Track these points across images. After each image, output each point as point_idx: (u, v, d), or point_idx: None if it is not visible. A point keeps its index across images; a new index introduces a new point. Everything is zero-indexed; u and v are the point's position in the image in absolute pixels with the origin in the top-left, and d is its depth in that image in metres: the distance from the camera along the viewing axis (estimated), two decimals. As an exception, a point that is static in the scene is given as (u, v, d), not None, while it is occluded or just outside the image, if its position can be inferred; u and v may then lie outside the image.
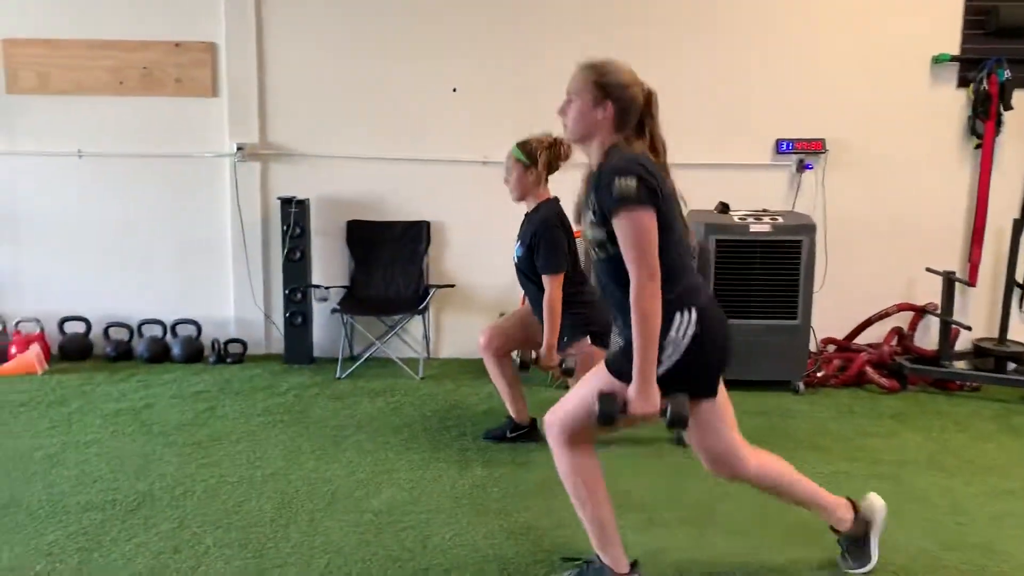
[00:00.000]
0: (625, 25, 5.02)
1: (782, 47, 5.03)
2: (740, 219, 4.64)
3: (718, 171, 5.08)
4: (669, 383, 2.22)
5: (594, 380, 2.37)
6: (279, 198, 5.01)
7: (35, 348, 4.90)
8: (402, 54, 5.06)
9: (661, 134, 2.36)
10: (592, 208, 2.26)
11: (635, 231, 2.16)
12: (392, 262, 5.17)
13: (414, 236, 5.17)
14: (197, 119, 5.10)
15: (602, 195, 2.21)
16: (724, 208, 4.78)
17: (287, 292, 5.04)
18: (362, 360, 4.96)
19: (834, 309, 5.05)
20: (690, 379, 2.27)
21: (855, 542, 2.69)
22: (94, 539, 2.90)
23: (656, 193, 2.19)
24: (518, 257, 3.62)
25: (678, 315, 2.24)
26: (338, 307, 4.87)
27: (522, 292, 3.78)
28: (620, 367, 2.28)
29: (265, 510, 3.15)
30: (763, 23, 5.03)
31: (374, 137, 5.15)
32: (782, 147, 5.08)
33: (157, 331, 5.18)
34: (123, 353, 5.12)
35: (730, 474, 2.51)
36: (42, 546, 2.85)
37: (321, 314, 5.19)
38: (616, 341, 2.37)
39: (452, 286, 5.01)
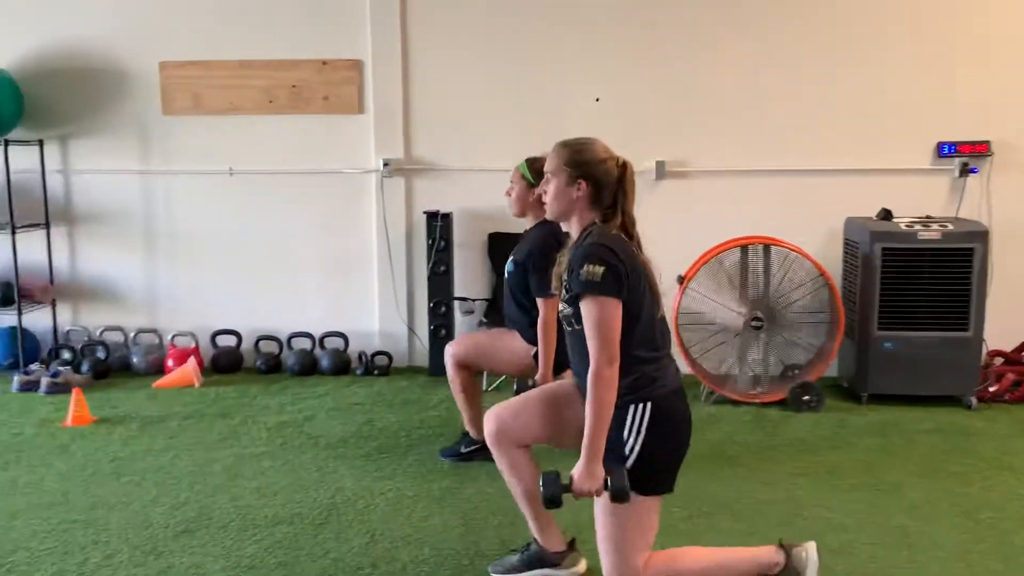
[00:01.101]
0: (775, 31, 4.89)
1: (942, 45, 4.81)
2: (907, 226, 4.44)
3: (877, 176, 4.88)
4: (640, 472, 2.24)
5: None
6: (424, 212, 5.04)
7: (192, 361, 5.05)
8: (544, 66, 5.04)
9: (632, 210, 2.38)
10: (565, 286, 2.32)
11: (598, 318, 2.19)
12: (534, 274, 5.13)
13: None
14: (344, 136, 5.19)
15: (572, 277, 2.26)
16: (886, 215, 4.59)
17: (431, 305, 5.06)
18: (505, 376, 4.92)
19: (1001, 320, 4.77)
20: (658, 469, 2.29)
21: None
22: (291, 553, 2.93)
23: (623, 282, 2.22)
24: (508, 273, 3.55)
25: (631, 408, 2.26)
26: (484, 320, 4.86)
27: None
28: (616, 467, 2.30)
29: (452, 525, 3.13)
30: (921, 21, 4.81)
31: (515, 149, 5.06)
32: (944, 150, 4.84)
33: (306, 344, 5.28)
34: (273, 366, 5.23)
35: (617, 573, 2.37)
36: (243, 560, 2.89)
37: (464, 327, 5.19)
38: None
39: (601, 298, 4.94)
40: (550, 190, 2.40)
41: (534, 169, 3.45)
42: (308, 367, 5.18)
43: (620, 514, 2.27)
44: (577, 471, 2.22)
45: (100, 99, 5.24)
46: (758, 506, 3.29)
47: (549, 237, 3.38)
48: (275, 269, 5.32)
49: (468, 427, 3.78)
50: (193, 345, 5.23)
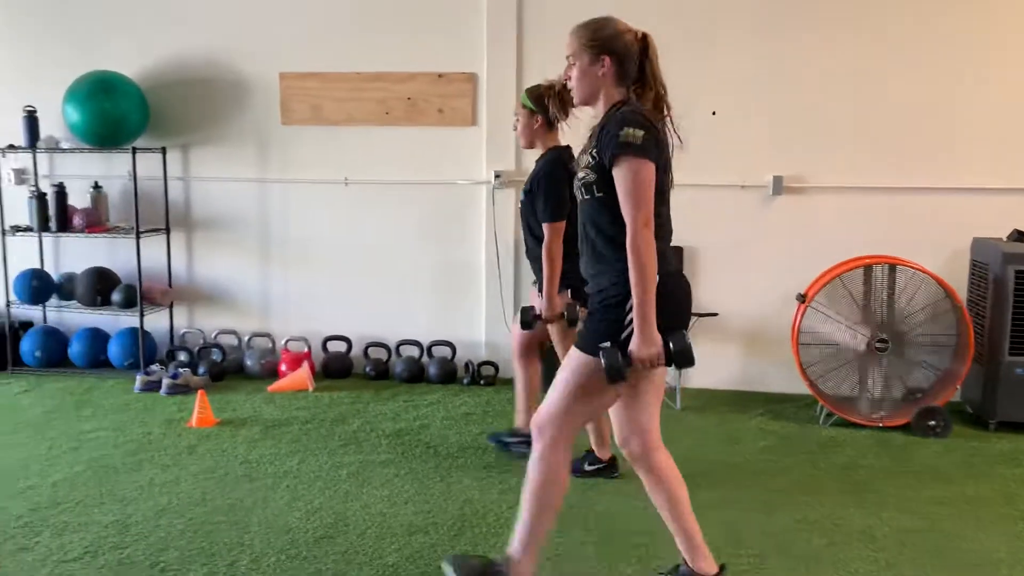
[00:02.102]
0: (903, 41, 4.78)
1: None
2: (1043, 248, 4.28)
3: (1007, 196, 4.72)
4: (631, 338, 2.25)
5: (570, 365, 2.41)
6: (536, 224, 5.05)
7: (306, 366, 5.15)
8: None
9: (661, 76, 2.37)
10: (590, 153, 2.30)
11: (635, 179, 2.20)
12: (644, 288, 5.10)
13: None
14: (456, 147, 5.24)
15: (606, 141, 2.24)
16: (1020, 236, 4.43)
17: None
18: (619, 388, 4.90)
19: None
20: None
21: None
22: (432, 564, 2.95)
23: (661, 151, 2.25)
24: (521, 203, 3.58)
25: None
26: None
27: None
28: (585, 342, 2.35)
29: (587, 542, 3.12)
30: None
31: (627, 162, 5.11)
32: (1080, 169, 4.66)
33: (414, 352, 5.34)
34: (381, 372, 5.30)
35: (640, 447, 2.49)
36: (386, 569, 2.92)
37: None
38: (587, 311, 2.44)
39: (715, 315, 4.89)
40: (574, 74, 2.38)
41: (534, 96, 3.54)
42: (416, 374, 5.24)
43: (637, 384, 2.36)
44: (635, 342, 2.22)
45: (221, 109, 5.40)
46: (900, 535, 3.20)
47: (557, 163, 3.48)
48: (385, 277, 5.40)
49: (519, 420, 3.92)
50: (306, 350, 5.34)
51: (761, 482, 3.74)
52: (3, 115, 5.40)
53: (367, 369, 5.31)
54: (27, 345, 5.39)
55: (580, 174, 2.37)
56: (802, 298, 4.49)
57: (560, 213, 3.41)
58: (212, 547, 3.06)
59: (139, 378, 5.01)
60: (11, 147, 5.29)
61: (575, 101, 2.46)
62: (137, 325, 5.30)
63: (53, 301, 5.46)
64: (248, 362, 5.35)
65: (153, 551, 3.03)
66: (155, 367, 5.10)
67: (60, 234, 5.35)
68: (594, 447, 3.76)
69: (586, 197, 2.37)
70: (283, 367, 5.27)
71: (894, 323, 4.42)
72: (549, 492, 2.49)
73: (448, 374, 5.22)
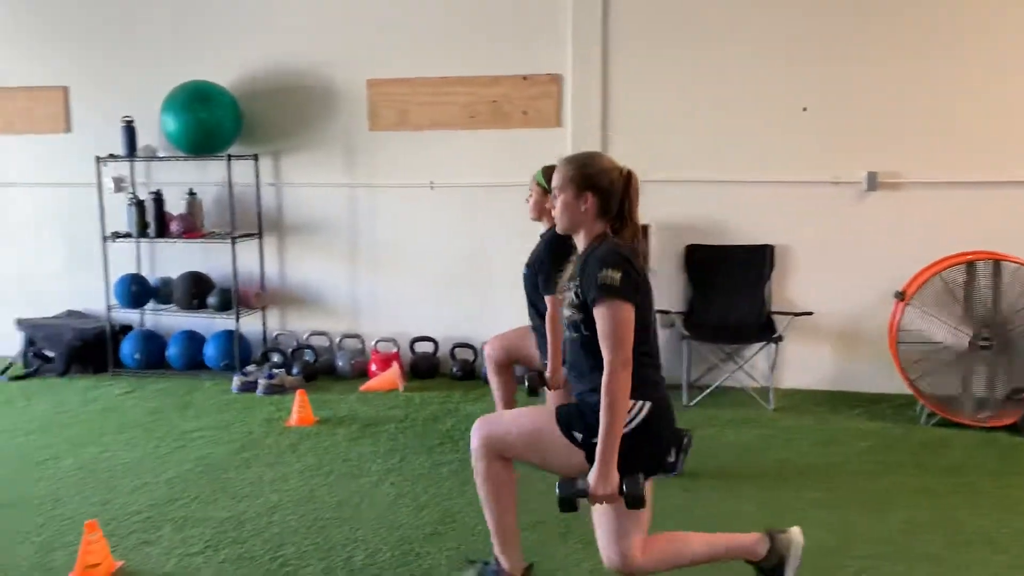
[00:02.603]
0: (1007, 32, 4.65)
1: None
2: None
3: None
4: (623, 464, 2.26)
5: (535, 416, 2.52)
6: (623, 224, 5.05)
7: (396, 366, 5.23)
8: (746, 76, 4.97)
9: (636, 217, 2.42)
10: (575, 291, 2.36)
11: (614, 322, 2.24)
12: (732, 287, 5.06)
13: (757, 260, 5.04)
14: (541, 149, 5.21)
15: (587, 282, 2.30)
16: None
17: (628, 317, 5.06)
18: (711, 388, 4.86)
19: None
20: (629, 463, 2.28)
21: (769, 573, 2.56)
22: (543, 559, 2.97)
23: (638, 289, 2.29)
24: (524, 277, 3.66)
25: (631, 403, 2.29)
26: (687, 333, 4.81)
27: None
28: (569, 422, 2.39)
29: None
30: None
31: (715, 161, 5.08)
32: None
33: (500, 353, 5.37)
34: (467, 373, 5.35)
35: (619, 565, 2.43)
36: (500, 564, 2.95)
37: (663, 341, 5.15)
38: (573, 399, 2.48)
39: (810, 313, 4.82)
40: (558, 205, 2.44)
41: (548, 176, 3.49)
42: (503, 376, 5.27)
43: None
44: (592, 476, 2.25)
45: (311, 116, 5.53)
46: (1021, 537, 3.12)
47: (558, 239, 3.42)
48: (471, 279, 5.45)
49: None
50: (395, 350, 5.43)
51: (865, 483, 3.68)
52: (103, 125, 5.61)
53: (454, 369, 5.37)
54: (127, 348, 5.58)
55: (566, 311, 2.42)
56: (901, 296, 4.41)
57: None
58: (327, 543, 3.14)
59: (236, 379, 5.15)
60: (111, 156, 5.49)
61: (558, 229, 2.51)
62: (232, 328, 5.45)
63: (150, 305, 5.65)
64: (339, 363, 5.46)
65: (271, 546, 3.12)
66: (251, 368, 5.24)
67: (158, 240, 5.53)
68: None
69: (573, 335, 2.43)
70: (373, 367, 5.37)
71: (998, 320, 4.30)
72: (499, 490, 2.59)
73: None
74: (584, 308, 2.33)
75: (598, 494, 2.25)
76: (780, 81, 4.94)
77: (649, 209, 5.06)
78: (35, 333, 5.62)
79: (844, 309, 4.95)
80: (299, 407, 4.54)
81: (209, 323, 5.63)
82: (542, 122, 5.23)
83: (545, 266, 3.47)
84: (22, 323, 5.69)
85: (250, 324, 5.64)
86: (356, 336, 5.57)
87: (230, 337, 5.46)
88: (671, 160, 5.10)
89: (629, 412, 2.30)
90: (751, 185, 5.03)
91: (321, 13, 5.42)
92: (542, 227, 3.72)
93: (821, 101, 4.90)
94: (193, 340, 5.57)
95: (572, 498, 2.27)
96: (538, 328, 3.70)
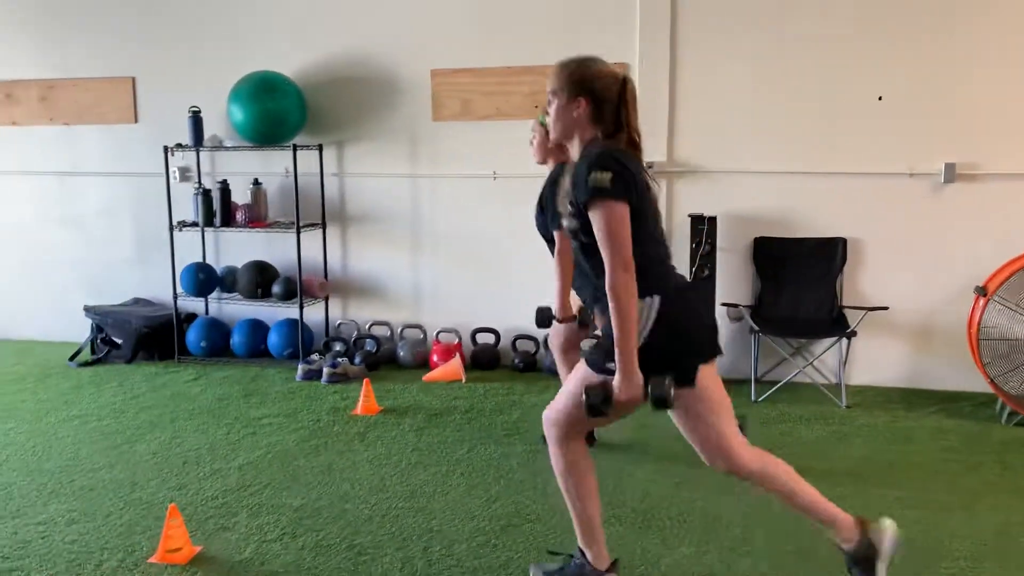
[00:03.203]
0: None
1: None
2: None
3: None
4: (656, 361, 2.24)
5: (578, 376, 2.44)
6: (690, 215, 4.97)
7: (458, 357, 5.22)
8: (818, 65, 4.85)
9: (637, 123, 2.37)
10: (569, 199, 2.32)
11: (609, 223, 2.21)
12: (802, 281, 4.95)
13: (828, 254, 4.92)
14: (607, 138, 5.19)
15: (578, 187, 2.26)
16: None
17: (694, 310, 4.98)
18: (779, 384, 4.76)
19: None
20: (661, 363, 2.25)
21: (860, 564, 2.50)
22: (623, 555, 2.92)
23: (630, 187, 2.23)
24: (536, 219, 3.78)
25: (641, 302, 2.26)
26: (756, 327, 4.72)
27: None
28: (595, 359, 2.36)
29: (820, 554, 2.97)
30: None
31: (784, 151, 4.97)
32: None
33: (562, 345, 5.33)
34: (529, 364, 5.32)
35: (726, 467, 2.46)
36: (577, 558, 2.92)
37: (725, 334, 5.07)
38: (591, 336, 2.45)
39: (885, 308, 4.70)
40: (552, 110, 2.39)
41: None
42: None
43: (690, 408, 2.34)
44: (616, 382, 2.23)
45: (374, 106, 5.53)
46: (1121, 543, 2.99)
47: (563, 175, 3.48)
48: (533, 270, 5.38)
49: None
50: (456, 341, 5.42)
51: (948, 482, 3.57)
52: (169, 116, 5.68)
53: (515, 361, 5.34)
54: (193, 335, 5.65)
55: (564, 221, 2.39)
56: (982, 291, 4.27)
57: None
58: (402, 532, 3.13)
59: (300, 367, 5.19)
60: (179, 146, 5.56)
61: (552, 137, 2.44)
62: (295, 316, 5.49)
63: (215, 293, 5.71)
64: (400, 352, 5.47)
65: (346, 534, 3.12)
66: (315, 356, 5.27)
67: (223, 229, 5.58)
68: None
69: (575, 243, 2.41)
70: (435, 358, 5.36)
71: (1087, 318, 4.15)
72: (579, 481, 2.55)
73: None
74: (581, 215, 2.29)
75: (622, 398, 2.22)
76: (854, 69, 4.81)
77: (717, 200, 5.05)
78: (103, 320, 5.72)
79: (919, 304, 4.82)
80: (364, 396, 4.55)
81: (272, 311, 5.67)
82: (608, 112, 5.15)
83: (551, 202, 3.53)
84: (90, 310, 5.79)
85: (312, 313, 5.67)
86: (417, 326, 5.58)
87: (293, 326, 5.50)
88: (739, 151, 5.01)
89: (642, 313, 2.26)
90: (822, 176, 4.91)
91: (386, 3, 5.41)
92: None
93: (897, 89, 4.76)
94: (257, 328, 5.63)
95: (598, 404, 2.24)
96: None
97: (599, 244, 2.24)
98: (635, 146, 2.36)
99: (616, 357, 2.23)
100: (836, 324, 4.78)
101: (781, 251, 4.99)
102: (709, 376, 2.37)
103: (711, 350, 2.39)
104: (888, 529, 2.50)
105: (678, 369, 2.29)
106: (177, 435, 4.21)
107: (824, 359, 4.93)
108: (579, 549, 2.67)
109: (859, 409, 4.55)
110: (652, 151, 5.05)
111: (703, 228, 4.89)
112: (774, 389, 4.72)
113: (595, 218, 2.23)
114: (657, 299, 2.28)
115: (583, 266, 2.44)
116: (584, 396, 2.27)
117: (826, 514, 2.50)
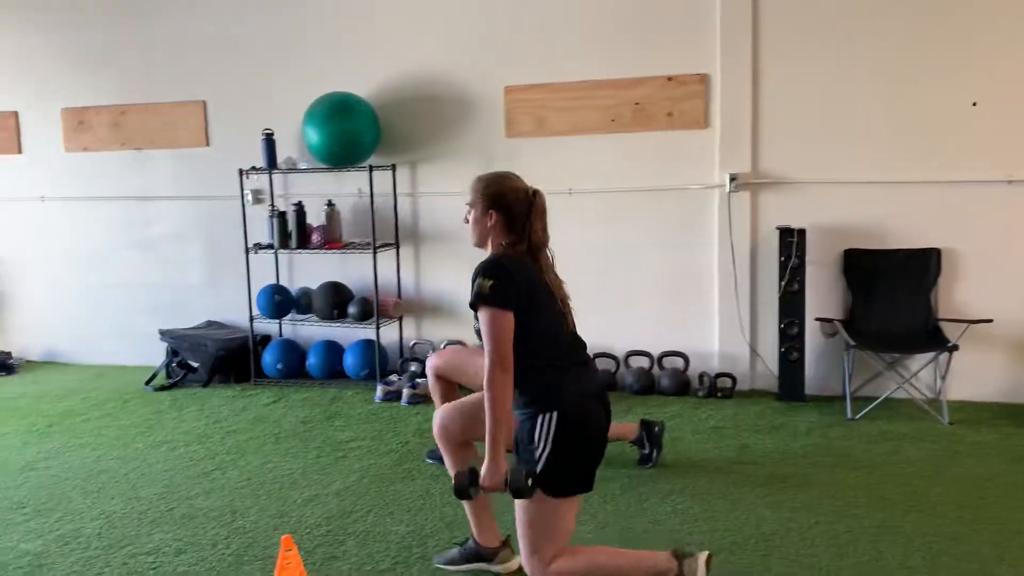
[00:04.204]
0: None
1: None
2: None
3: None
4: (549, 477, 2.38)
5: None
6: (778, 228, 4.85)
7: (538, 377, 5.13)
8: (908, 72, 4.72)
9: (540, 235, 2.56)
10: (469, 302, 2.47)
11: (488, 326, 2.37)
12: (895, 293, 4.80)
13: (922, 265, 4.77)
14: (686, 152, 5.10)
15: (471, 291, 2.43)
16: None
17: (782, 326, 4.85)
18: (877, 401, 4.61)
19: None
20: (567, 474, 2.41)
21: None
22: (753, 585, 2.82)
23: (510, 296, 2.38)
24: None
25: (539, 417, 2.40)
26: (853, 343, 4.57)
27: None
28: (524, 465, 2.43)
29: (955, 569, 2.88)
30: None
31: (874, 160, 4.84)
32: None
33: (643, 363, 5.23)
34: (609, 384, 5.21)
35: (535, 570, 2.49)
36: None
37: (813, 349, 4.94)
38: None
39: (990, 321, 4.54)
40: (470, 219, 2.62)
41: None
42: (647, 386, 5.13)
43: (532, 512, 2.43)
44: (483, 468, 2.40)
45: (447, 125, 5.49)
46: None
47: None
48: (611, 287, 5.32)
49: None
50: (535, 361, 5.32)
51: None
52: (240, 138, 5.70)
53: (596, 380, 5.24)
54: (269, 357, 5.63)
55: (473, 322, 2.52)
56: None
57: None
58: (516, 560, 3.04)
59: (380, 388, 5.13)
60: (254, 169, 5.56)
61: (472, 242, 2.65)
62: (370, 337, 5.45)
63: (289, 315, 5.69)
64: (478, 373, 5.39)
65: (460, 561, 3.04)
66: (394, 377, 5.22)
67: (299, 251, 5.56)
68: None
69: (479, 343, 2.52)
70: (513, 378, 5.27)
71: None
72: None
73: (681, 386, 5.08)
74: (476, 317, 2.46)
75: (485, 485, 2.39)
76: (946, 74, 4.67)
77: (804, 212, 4.92)
78: (179, 344, 5.72)
79: (1021, 315, 4.64)
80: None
81: (346, 332, 5.64)
82: (688, 124, 5.06)
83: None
84: (166, 334, 5.80)
85: (387, 333, 5.62)
86: (495, 346, 5.49)
87: (369, 346, 5.45)
88: (827, 160, 4.89)
89: (541, 426, 2.38)
90: (914, 186, 4.77)
91: (458, 22, 5.38)
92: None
93: (992, 95, 4.61)
94: (332, 349, 5.59)
95: (465, 487, 2.43)
96: None
97: (483, 342, 2.40)
98: (537, 251, 2.55)
99: (487, 444, 2.38)
100: (932, 337, 4.63)
101: (872, 263, 4.85)
102: (574, 505, 2.49)
103: (590, 480, 2.48)
104: (700, 562, 2.50)
105: (582, 478, 2.45)
106: (267, 460, 4.16)
107: (918, 373, 4.76)
108: (471, 533, 2.92)
109: (964, 426, 4.38)
110: (735, 162, 4.97)
111: (792, 241, 4.77)
112: (872, 406, 4.57)
113: (480, 320, 2.41)
114: (555, 416, 2.39)
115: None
116: (453, 480, 2.50)
117: (648, 569, 2.53)
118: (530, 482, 2.35)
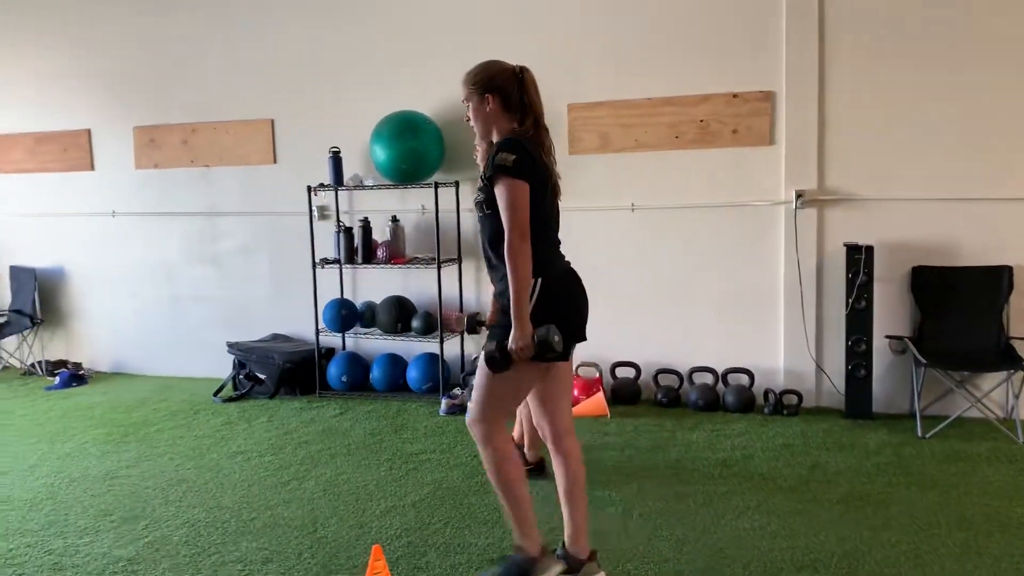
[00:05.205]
0: None
1: None
2: None
3: None
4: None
5: (479, 374, 2.72)
6: (845, 244, 4.84)
7: (601, 392, 5.16)
8: (978, 86, 4.69)
9: (538, 103, 2.71)
10: (481, 176, 2.65)
11: (508, 197, 2.53)
12: (965, 311, 4.75)
13: (992, 283, 4.72)
14: (751, 168, 5.12)
15: (489, 165, 2.58)
16: None
17: (850, 343, 4.82)
18: (949, 420, 4.56)
19: None
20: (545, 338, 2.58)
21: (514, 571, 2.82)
22: None
23: (529, 170, 2.56)
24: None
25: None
26: (925, 361, 4.53)
27: None
28: (501, 338, 2.60)
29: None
30: None
31: (943, 177, 4.81)
32: None
33: (708, 379, 5.23)
34: (673, 399, 5.22)
35: (551, 433, 2.83)
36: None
37: (879, 366, 4.90)
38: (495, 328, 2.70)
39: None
40: (471, 115, 2.73)
41: None
42: (711, 403, 5.12)
43: (498, 379, 2.63)
44: (512, 335, 2.55)
45: (510, 141, 5.55)
46: None
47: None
48: (674, 303, 5.34)
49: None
50: (597, 375, 5.36)
51: None
52: (306, 156, 5.83)
53: (658, 396, 5.25)
54: (334, 370, 5.73)
55: (474, 195, 2.72)
56: None
57: None
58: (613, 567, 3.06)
59: (444, 401, 5.20)
60: (322, 186, 5.68)
61: (477, 137, 2.78)
62: (433, 351, 5.52)
63: (353, 328, 5.78)
64: (541, 388, 5.43)
65: (542, 575, 3.07)
66: (458, 391, 5.28)
67: (364, 266, 5.66)
68: (525, 449, 4.01)
69: (479, 215, 2.71)
70: (575, 392, 5.31)
71: None
72: (506, 470, 2.77)
73: (746, 403, 5.07)
74: (488, 189, 2.60)
75: (515, 347, 2.54)
76: (1017, 88, 4.63)
77: (871, 228, 4.90)
78: (246, 356, 5.84)
79: (1097, 334, 4.58)
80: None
81: (408, 346, 5.72)
82: (753, 140, 5.08)
83: None
84: (233, 346, 5.93)
85: (449, 347, 5.69)
86: (558, 361, 5.53)
87: (433, 360, 5.52)
88: (895, 177, 4.87)
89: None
90: (984, 202, 4.73)
91: (520, 40, 5.45)
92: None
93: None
94: (396, 363, 5.67)
95: (494, 354, 2.57)
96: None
97: (501, 214, 2.56)
98: (539, 127, 2.68)
99: (511, 312, 2.55)
100: (1005, 356, 4.57)
101: (941, 280, 4.81)
102: (536, 374, 2.70)
103: (578, 335, 2.73)
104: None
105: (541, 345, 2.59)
106: (340, 471, 4.24)
107: (990, 393, 4.70)
108: (515, 546, 2.86)
109: (1040, 446, 4.32)
110: (801, 179, 4.97)
111: (860, 258, 4.75)
112: (944, 424, 4.52)
113: (498, 192, 2.56)
114: (539, 283, 2.60)
115: (483, 240, 2.74)
116: (484, 356, 2.62)
117: (577, 525, 2.87)
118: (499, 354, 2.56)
